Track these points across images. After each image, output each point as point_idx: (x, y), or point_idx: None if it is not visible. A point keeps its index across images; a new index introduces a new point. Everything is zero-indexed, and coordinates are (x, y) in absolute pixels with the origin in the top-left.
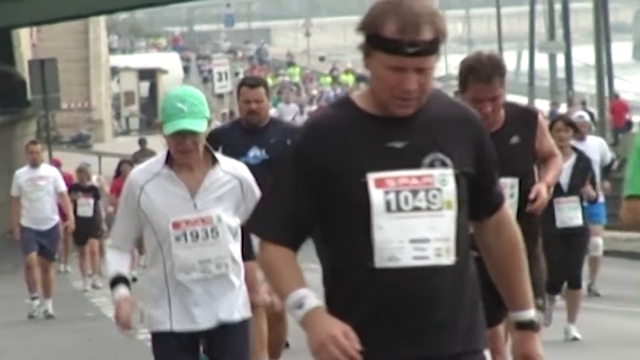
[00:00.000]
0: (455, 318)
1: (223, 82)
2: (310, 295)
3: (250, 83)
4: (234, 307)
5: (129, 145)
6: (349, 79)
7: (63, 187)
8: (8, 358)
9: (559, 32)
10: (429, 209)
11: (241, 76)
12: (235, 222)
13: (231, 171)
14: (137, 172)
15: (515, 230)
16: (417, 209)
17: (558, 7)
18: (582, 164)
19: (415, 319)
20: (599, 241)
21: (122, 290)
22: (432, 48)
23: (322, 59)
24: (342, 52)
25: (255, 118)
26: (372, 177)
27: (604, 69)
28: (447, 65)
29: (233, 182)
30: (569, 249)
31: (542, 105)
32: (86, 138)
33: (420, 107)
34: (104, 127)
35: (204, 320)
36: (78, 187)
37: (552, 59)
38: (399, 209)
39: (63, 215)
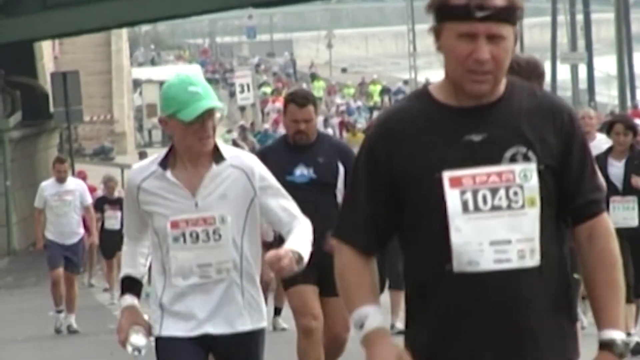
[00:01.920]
0: (543, 324)
1: (245, 94)
2: (373, 313)
3: (299, 101)
4: (241, 315)
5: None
6: (376, 89)
7: (89, 200)
8: None
9: (581, 42)
10: (509, 207)
11: (266, 87)
12: (243, 222)
13: (234, 162)
14: (135, 171)
15: (610, 245)
16: (496, 208)
17: (580, 18)
18: (638, 161)
19: (499, 326)
20: None
21: (127, 298)
22: (504, 15)
23: (344, 70)
24: (364, 64)
25: (304, 138)
26: (447, 176)
27: (626, 79)
28: None
29: (235, 174)
30: (623, 254)
31: None
32: (109, 150)
33: (500, 97)
34: (127, 139)
35: (196, 327)
36: (105, 199)
37: (574, 70)
38: (477, 209)
39: (88, 229)
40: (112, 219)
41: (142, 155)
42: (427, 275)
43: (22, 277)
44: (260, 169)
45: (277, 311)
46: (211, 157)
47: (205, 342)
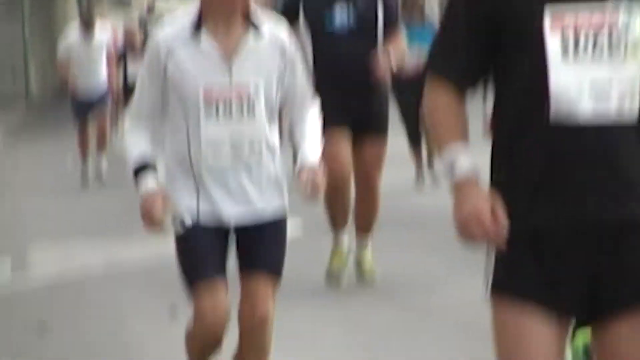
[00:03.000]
0: (638, 177)
1: None
2: (462, 156)
3: None
4: (268, 203)
5: (171, 4)
6: None
7: (112, 49)
8: (53, 222)
9: None
10: (612, 54)
11: None
12: (274, 98)
13: (272, 35)
14: (164, 34)
15: None
16: (599, 54)
17: None
18: None
19: (594, 177)
20: None
21: (149, 181)
22: None
23: None
24: None
25: None
26: (548, 14)
27: None
28: None
29: (271, 48)
30: None
31: None
32: None
33: None
34: None
35: (232, 215)
36: (127, 51)
37: None
38: (577, 54)
39: (110, 81)
40: (136, 72)
41: (150, 10)
42: (520, 122)
43: (40, 125)
44: (294, 46)
45: None
46: (245, 22)
47: (229, 224)
